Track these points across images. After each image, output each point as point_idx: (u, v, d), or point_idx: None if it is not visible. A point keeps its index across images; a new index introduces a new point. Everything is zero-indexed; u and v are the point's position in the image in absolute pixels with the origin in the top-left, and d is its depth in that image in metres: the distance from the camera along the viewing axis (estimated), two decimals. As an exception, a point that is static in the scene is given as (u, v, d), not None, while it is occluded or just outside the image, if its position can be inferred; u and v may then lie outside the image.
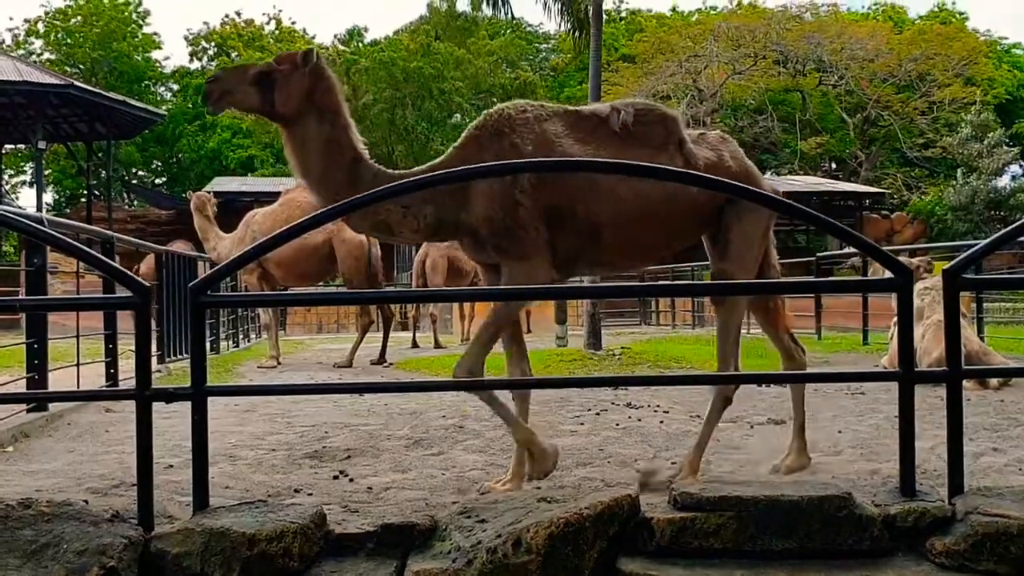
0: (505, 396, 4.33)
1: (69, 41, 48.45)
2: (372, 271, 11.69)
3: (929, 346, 8.14)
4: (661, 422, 6.17)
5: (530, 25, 52.18)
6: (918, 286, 8.51)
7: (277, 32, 53.63)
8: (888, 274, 3.44)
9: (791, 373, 4.87)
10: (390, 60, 41.48)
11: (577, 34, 14.80)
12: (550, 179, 4.10)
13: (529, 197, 4.03)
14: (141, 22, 50.81)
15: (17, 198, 47.56)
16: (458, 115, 45.31)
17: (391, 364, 11.57)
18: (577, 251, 4.21)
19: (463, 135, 4.29)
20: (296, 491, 4.21)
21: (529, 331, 20.34)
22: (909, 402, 3.30)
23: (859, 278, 12.66)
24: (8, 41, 48.57)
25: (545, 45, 54.10)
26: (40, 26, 48.95)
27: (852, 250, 16.03)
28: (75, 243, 3.72)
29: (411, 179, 3.89)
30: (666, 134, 4.35)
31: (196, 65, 52.72)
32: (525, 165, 3.96)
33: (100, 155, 32.53)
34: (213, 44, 52.51)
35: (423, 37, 43.59)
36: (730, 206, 4.31)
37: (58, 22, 48.70)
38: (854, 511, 3.11)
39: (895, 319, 9.37)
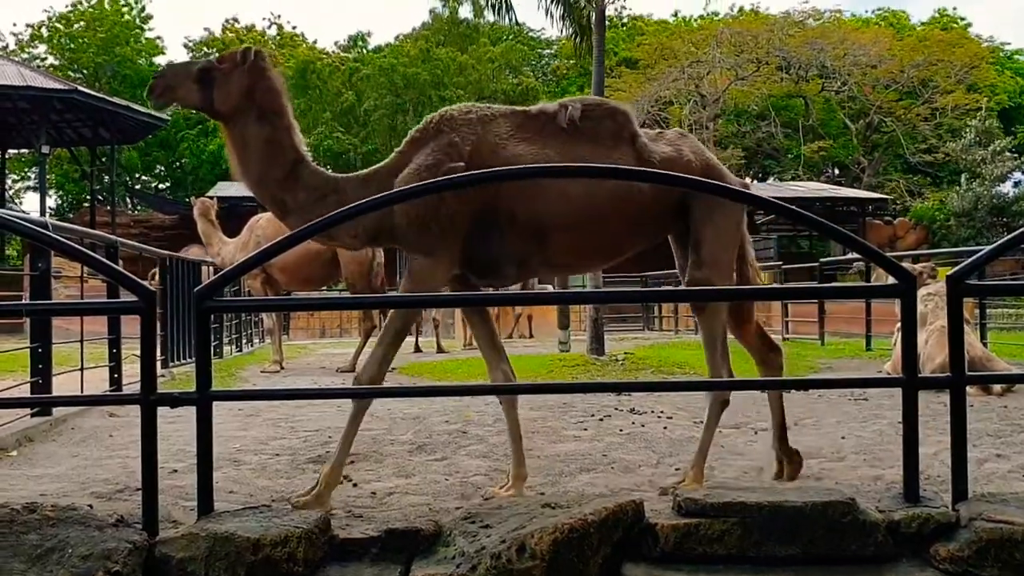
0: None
1: (72, 46, 48.56)
2: (375, 276, 11.70)
3: (932, 352, 8.14)
4: (665, 428, 6.17)
5: (532, 31, 52.25)
6: (921, 292, 8.50)
7: (279, 37, 53.74)
8: (892, 280, 3.45)
9: (796, 380, 4.89)
10: (390, 67, 41.58)
11: (579, 40, 14.78)
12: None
13: (456, 198, 3.98)
14: (143, 27, 50.93)
15: (21, 202, 47.71)
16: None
17: (394, 369, 11.56)
18: (525, 253, 4.14)
19: (406, 138, 4.27)
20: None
21: (531, 336, 20.39)
22: (913, 408, 3.30)
23: (863, 284, 12.67)
24: (12, 45, 48.73)
25: (547, 51, 54.15)
26: (44, 31, 49.07)
27: (855, 256, 16.04)
28: (79, 247, 3.74)
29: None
30: (616, 129, 4.24)
31: (199, 69, 52.73)
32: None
33: (103, 160, 32.58)
34: (214, 50, 52.62)
35: (423, 43, 43.67)
36: (696, 204, 4.19)
37: (61, 27, 48.80)
38: (858, 517, 3.11)
39: (898, 325, 9.38)
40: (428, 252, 4.06)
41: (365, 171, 4.33)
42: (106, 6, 49.00)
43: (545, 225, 4.08)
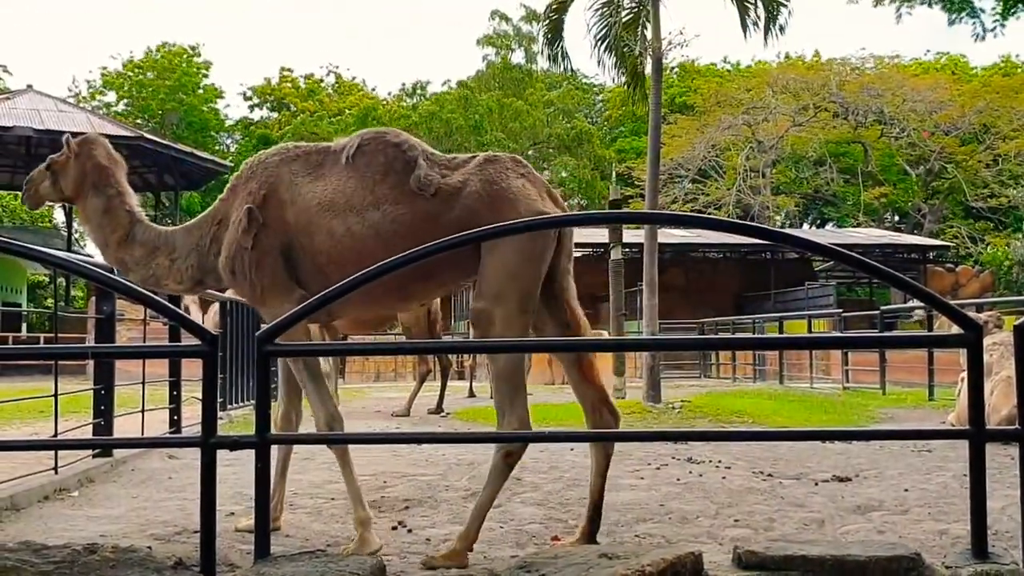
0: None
1: (142, 94, 50.00)
2: (431, 320, 11.76)
3: (998, 403, 7.95)
4: (723, 478, 6.08)
5: (587, 76, 52.63)
6: (986, 341, 8.32)
7: (336, 84, 54.77)
8: (956, 329, 3.38)
9: (858, 430, 4.75)
10: (430, 114, 42.06)
11: (633, 88, 14.85)
12: (272, 219, 4.22)
13: (249, 237, 4.19)
14: (205, 72, 52.29)
15: (85, 246, 48.86)
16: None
17: (448, 414, 11.57)
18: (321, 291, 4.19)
19: (228, 185, 4.49)
20: (355, 541, 4.20)
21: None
22: (980, 461, 3.21)
23: (927, 333, 12.42)
24: (84, 92, 50.32)
25: (600, 97, 54.48)
26: (115, 78, 50.65)
27: (917, 304, 15.78)
28: (144, 291, 3.80)
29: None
30: (387, 161, 4.17)
31: (258, 115, 54.02)
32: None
33: (167, 205, 33.29)
34: (272, 97, 53.84)
35: (464, 90, 44.18)
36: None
37: (131, 75, 50.30)
38: (923, 573, 3.03)
39: (962, 375, 9.18)
40: (258, 303, 4.31)
41: (192, 220, 4.60)
42: (174, 56, 50.43)
43: (325, 262, 4.14)
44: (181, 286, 4.57)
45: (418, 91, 53.16)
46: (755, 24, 14.04)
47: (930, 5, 16.75)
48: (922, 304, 13.42)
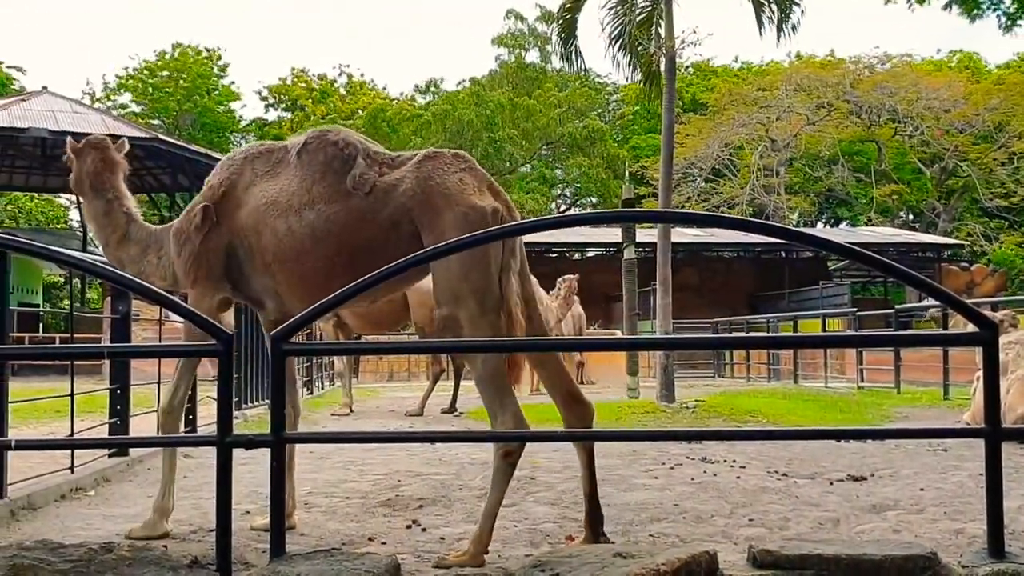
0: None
1: (157, 95, 50.26)
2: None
3: (1014, 402, 7.91)
4: (738, 477, 6.07)
5: (600, 76, 52.56)
6: (1001, 340, 8.28)
7: (348, 84, 54.92)
8: (971, 327, 3.37)
9: (873, 429, 4.73)
10: (443, 112, 42.07)
11: (648, 86, 14.85)
12: (225, 217, 4.36)
13: (200, 234, 4.37)
14: (221, 74, 52.51)
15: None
16: (526, 166, 45.69)
17: (461, 413, 11.58)
18: (270, 287, 4.34)
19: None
20: (370, 540, 4.23)
21: (592, 382, 20.31)
22: (996, 460, 3.20)
23: (942, 331, 12.37)
24: (99, 92, 50.62)
25: (614, 97, 54.42)
26: (129, 80, 50.91)
27: (931, 302, 15.72)
28: (159, 290, 3.82)
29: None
30: (327, 159, 4.22)
31: (272, 116, 54.23)
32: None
33: (182, 205, 33.38)
34: (286, 98, 54.02)
35: (476, 88, 44.18)
36: (425, 235, 3.97)
37: (146, 75, 50.57)
38: (939, 572, 3.02)
39: (978, 373, 9.14)
40: (192, 285, 4.47)
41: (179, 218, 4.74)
42: (189, 56, 50.66)
43: (271, 260, 4.24)
44: (165, 282, 4.68)
45: (432, 89, 53.19)
46: (770, 21, 14.02)
47: (948, 8, 16.63)
48: (937, 303, 13.37)
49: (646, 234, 22.13)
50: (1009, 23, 16.70)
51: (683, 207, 34.87)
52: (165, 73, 50.52)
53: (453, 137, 41.20)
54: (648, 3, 13.92)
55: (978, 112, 37.94)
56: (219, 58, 52.51)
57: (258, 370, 11.23)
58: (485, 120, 41.60)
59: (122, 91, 51.59)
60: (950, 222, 41.22)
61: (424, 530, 4.48)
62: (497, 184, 4.20)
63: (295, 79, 53.88)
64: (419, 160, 4.13)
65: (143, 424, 7.17)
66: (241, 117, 54.08)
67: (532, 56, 47.32)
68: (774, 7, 14.01)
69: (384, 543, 4.15)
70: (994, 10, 16.65)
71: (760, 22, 14.08)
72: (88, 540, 3.31)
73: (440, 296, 3.93)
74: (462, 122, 41.16)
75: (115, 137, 5.14)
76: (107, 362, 8.35)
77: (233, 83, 53.39)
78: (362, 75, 56.17)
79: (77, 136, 5.04)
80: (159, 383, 7.42)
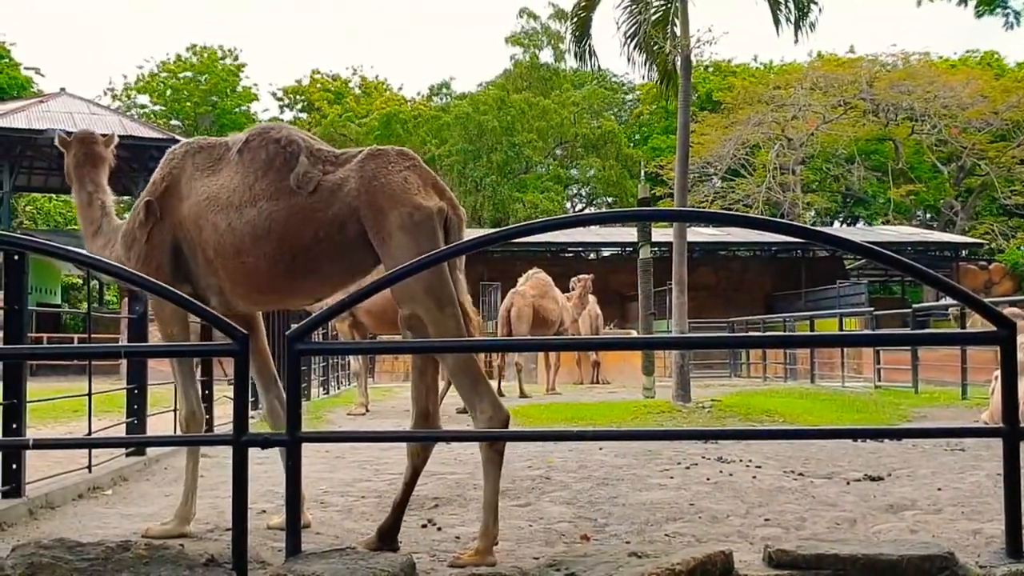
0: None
1: (176, 97, 50.59)
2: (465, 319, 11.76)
3: (1033, 401, 7.86)
4: (754, 477, 6.05)
5: (615, 75, 52.49)
6: (1020, 339, 8.23)
7: (362, 85, 55.07)
8: (989, 326, 3.35)
9: (890, 429, 4.70)
10: (465, 115, 42.12)
11: (665, 85, 14.82)
12: (167, 212, 4.41)
13: (144, 230, 4.45)
14: (239, 75, 52.80)
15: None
16: (539, 167, 45.71)
17: (478, 413, 11.56)
18: (215, 283, 4.33)
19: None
20: (385, 539, 4.22)
21: (608, 382, 20.29)
22: (1014, 459, 3.18)
23: (959, 330, 12.29)
24: (119, 93, 51.00)
25: (630, 96, 54.33)
26: (148, 80, 51.29)
27: (950, 302, 15.62)
28: (176, 291, 3.83)
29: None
30: (268, 158, 4.21)
31: (288, 116, 54.41)
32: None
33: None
34: (302, 98, 54.23)
35: (498, 91, 44.18)
36: (371, 235, 3.97)
37: (165, 76, 50.89)
38: (957, 572, 3.01)
39: (996, 373, 9.07)
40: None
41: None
42: (208, 58, 51.01)
43: (213, 256, 4.26)
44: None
45: (443, 90, 53.25)
46: (787, 20, 13.96)
47: (963, 4, 16.56)
48: (955, 302, 13.29)
49: (662, 234, 22.09)
50: (1015, 23, 16.67)
51: (699, 207, 34.79)
52: (186, 75, 50.91)
53: (473, 140, 41.26)
54: (663, 2, 13.87)
55: (996, 110, 37.69)
56: (236, 58, 52.82)
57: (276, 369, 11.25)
58: (506, 124, 41.70)
59: (141, 92, 52.01)
60: (968, 221, 40.97)
61: (439, 529, 4.49)
62: (442, 182, 4.21)
63: (311, 80, 54.05)
64: (363, 159, 4.11)
65: (160, 423, 7.22)
66: (258, 119, 54.31)
67: (546, 55, 47.35)
68: (791, 5, 13.94)
69: (400, 542, 4.15)
70: (1002, 7, 16.61)
71: (777, 21, 14.01)
72: (105, 538, 3.33)
73: (398, 297, 3.97)
74: (483, 126, 41.23)
75: (136, 138, 5.25)
76: (124, 362, 8.39)
77: (254, 85, 53.82)
78: (376, 76, 56.39)
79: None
80: (176, 382, 7.47)
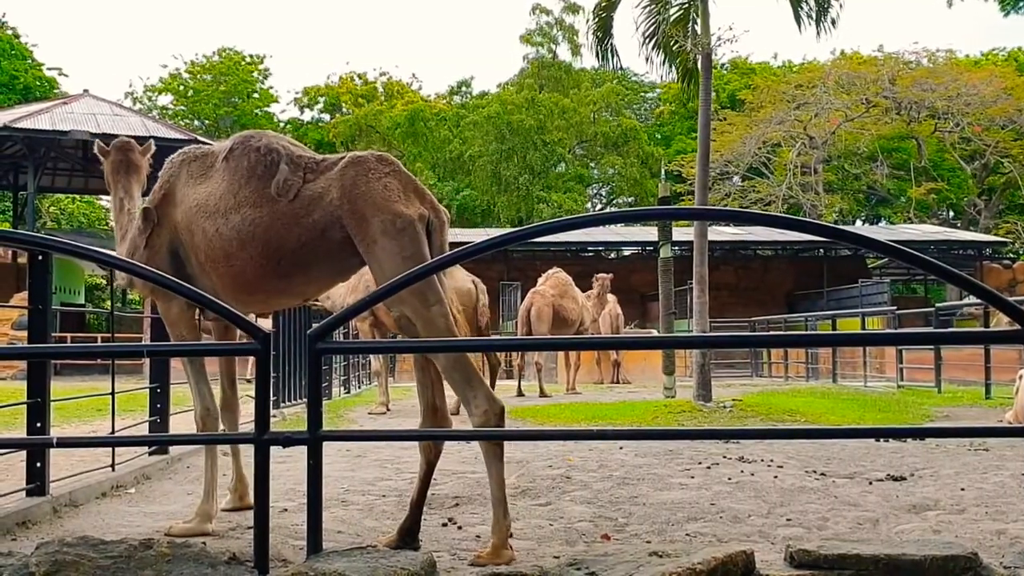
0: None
1: (196, 97, 50.94)
2: (479, 319, 11.78)
3: (1057, 401, 7.79)
4: (775, 477, 6.02)
5: (636, 74, 52.37)
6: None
7: (386, 85, 55.15)
8: (1014, 325, 3.31)
9: (913, 428, 4.67)
10: (496, 114, 42.13)
11: (686, 83, 14.77)
12: (164, 218, 4.52)
13: (144, 236, 4.54)
14: (263, 78, 53.12)
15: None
16: (562, 165, 45.66)
17: (498, 412, 11.57)
18: (209, 286, 4.37)
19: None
20: (406, 537, 4.23)
21: (629, 382, 20.25)
22: (1039, 460, 3.15)
23: (982, 329, 12.20)
24: (139, 92, 51.46)
25: (651, 94, 54.18)
26: (171, 82, 51.69)
27: (974, 301, 15.50)
28: (198, 291, 3.86)
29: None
30: (250, 166, 4.28)
31: (308, 116, 54.61)
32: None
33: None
34: (325, 99, 54.40)
35: (527, 91, 44.14)
36: (359, 241, 4.00)
37: (187, 78, 51.26)
38: (980, 573, 2.98)
39: (1020, 372, 9.01)
40: (151, 291, 4.66)
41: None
42: (232, 61, 51.37)
43: (204, 260, 4.36)
44: (145, 288, 4.86)
45: (462, 89, 53.25)
46: (808, 16, 13.88)
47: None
48: (978, 301, 13.20)
49: (683, 233, 22.04)
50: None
51: (720, 205, 34.66)
52: (208, 75, 51.28)
53: (505, 140, 41.29)
54: (684, 0, 13.84)
55: (1021, 108, 37.37)
56: (262, 61, 53.19)
57: (296, 369, 11.33)
58: (539, 123, 41.76)
59: (163, 94, 52.44)
60: (991, 219, 40.64)
61: (460, 528, 4.49)
62: (422, 186, 4.24)
63: (341, 81, 54.18)
64: (343, 166, 4.13)
65: (183, 422, 7.26)
66: (279, 120, 54.55)
67: (562, 50, 47.17)
68: (812, 2, 13.88)
69: (420, 540, 4.16)
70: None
71: (798, 18, 13.95)
72: (128, 536, 3.36)
73: (386, 300, 3.93)
74: (516, 126, 41.30)
75: (143, 139, 5.33)
76: (147, 361, 8.45)
77: (272, 88, 54.08)
78: (399, 78, 56.47)
79: (117, 138, 5.19)
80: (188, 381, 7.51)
